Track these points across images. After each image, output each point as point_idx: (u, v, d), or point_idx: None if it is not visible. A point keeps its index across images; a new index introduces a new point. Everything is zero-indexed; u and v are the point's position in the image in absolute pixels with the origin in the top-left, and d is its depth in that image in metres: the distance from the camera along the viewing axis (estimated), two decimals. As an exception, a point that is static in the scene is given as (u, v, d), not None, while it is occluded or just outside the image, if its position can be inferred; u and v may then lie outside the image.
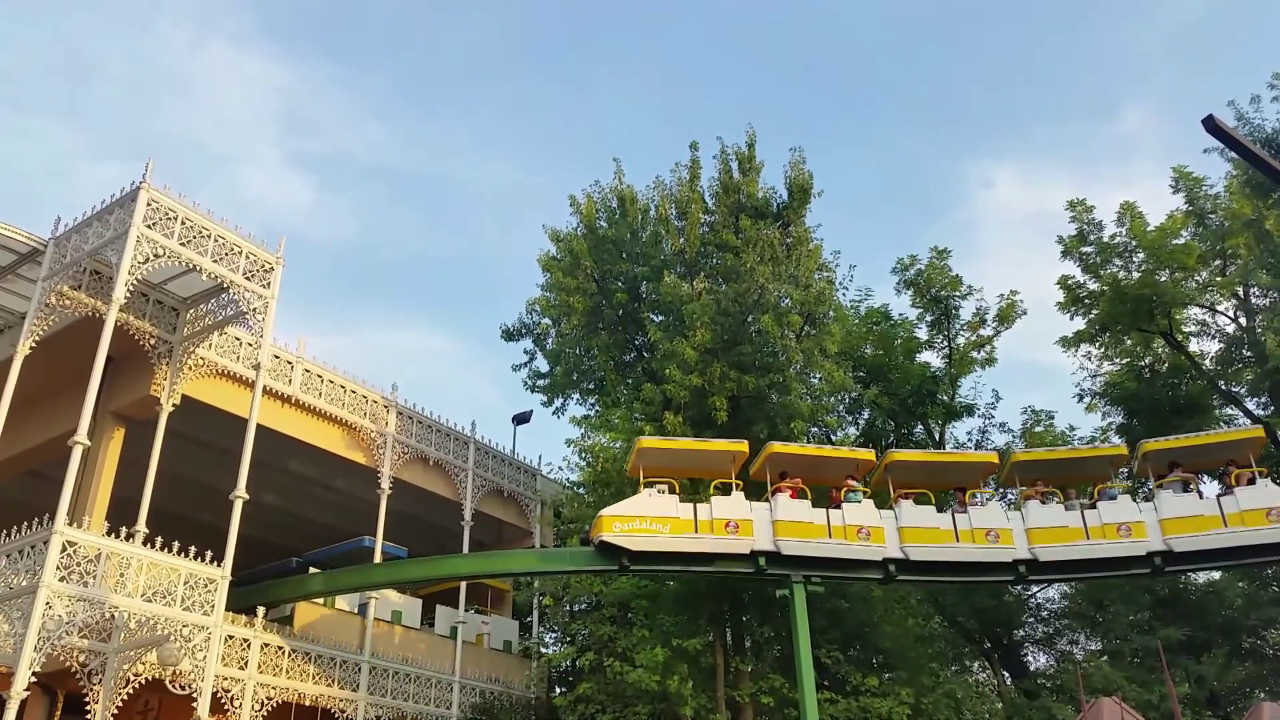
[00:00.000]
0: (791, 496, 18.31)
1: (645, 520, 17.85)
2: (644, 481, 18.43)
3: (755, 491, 18.89)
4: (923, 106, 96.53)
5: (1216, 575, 25.60)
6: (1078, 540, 18.01)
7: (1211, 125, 7.29)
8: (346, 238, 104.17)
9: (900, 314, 29.36)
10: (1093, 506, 18.47)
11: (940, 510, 18.76)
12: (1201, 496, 18.53)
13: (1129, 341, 29.58)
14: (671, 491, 18.36)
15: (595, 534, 17.95)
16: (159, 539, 15.73)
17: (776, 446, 18.88)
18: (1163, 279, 27.20)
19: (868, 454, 19.24)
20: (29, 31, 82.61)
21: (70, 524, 14.64)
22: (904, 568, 18.17)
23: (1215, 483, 19.36)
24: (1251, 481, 18.17)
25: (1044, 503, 18.65)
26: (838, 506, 18.48)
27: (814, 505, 18.50)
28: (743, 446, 18.99)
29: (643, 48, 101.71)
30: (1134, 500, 18.87)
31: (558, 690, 26.65)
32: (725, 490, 18.47)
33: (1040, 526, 18.13)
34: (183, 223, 16.83)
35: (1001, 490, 19.34)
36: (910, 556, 18.02)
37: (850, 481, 18.93)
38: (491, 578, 21.73)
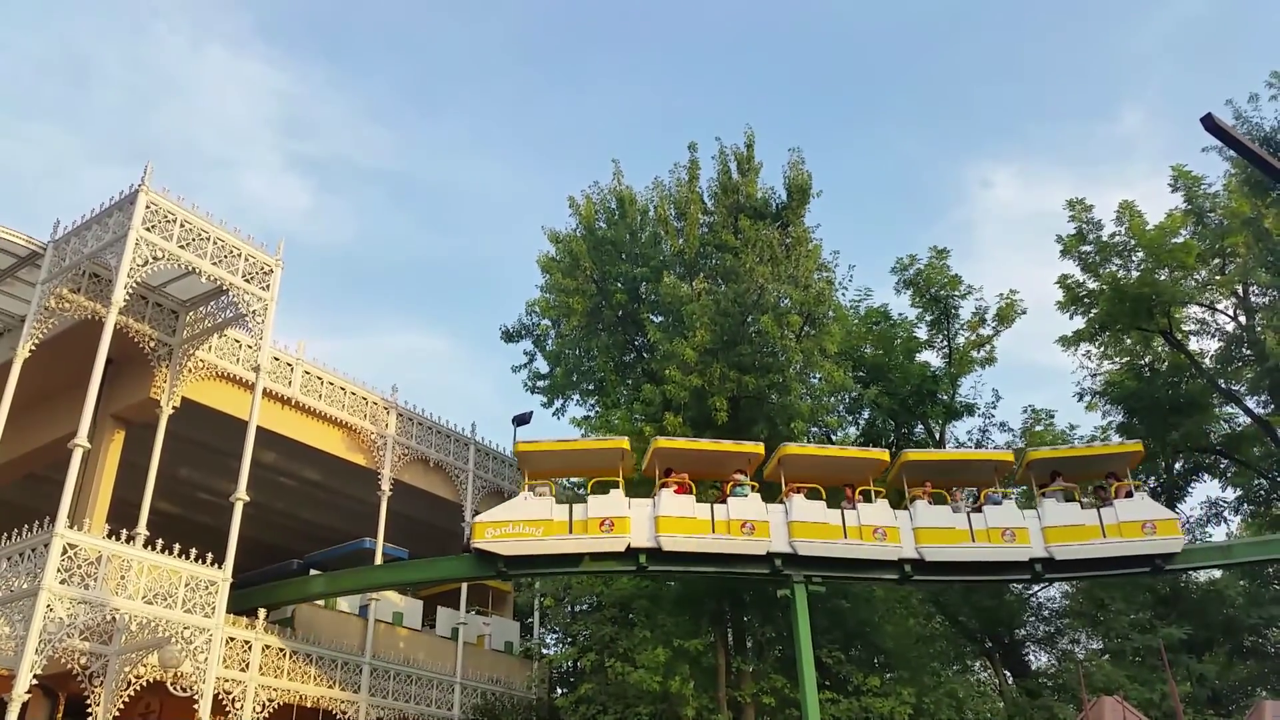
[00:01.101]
0: (678, 492, 18.16)
1: (518, 524, 17.78)
2: (525, 484, 18.41)
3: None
4: (921, 106, 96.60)
5: (1217, 574, 25.61)
6: (964, 542, 18.11)
7: (1210, 124, 7.29)
8: (345, 240, 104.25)
9: (900, 314, 29.39)
10: (979, 510, 18.55)
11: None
12: (1083, 507, 18.75)
13: (1129, 340, 29.62)
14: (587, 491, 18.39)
15: (472, 540, 17.88)
16: (160, 541, 15.72)
17: (662, 442, 18.76)
18: (1162, 278, 27.24)
19: (755, 447, 18.98)
20: (28, 35, 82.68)
21: (71, 527, 14.64)
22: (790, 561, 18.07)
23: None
24: (1129, 495, 18.76)
25: (932, 503, 18.60)
26: (721, 502, 18.33)
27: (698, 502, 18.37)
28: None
29: (641, 49, 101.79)
30: (1018, 507, 18.92)
31: (559, 691, 26.67)
32: (603, 489, 18.25)
33: (928, 527, 18.12)
34: (182, 225, 16.83)
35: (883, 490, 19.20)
36: (799, 551, 17.93)
37: (738, 475, 18.70)
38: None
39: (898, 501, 19.23)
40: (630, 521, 17.71)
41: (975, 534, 18.18)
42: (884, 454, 19.15)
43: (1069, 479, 19.26)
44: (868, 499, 18.57)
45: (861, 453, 19.31)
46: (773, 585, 18.96)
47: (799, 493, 18.46)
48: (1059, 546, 18.09)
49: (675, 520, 17.73)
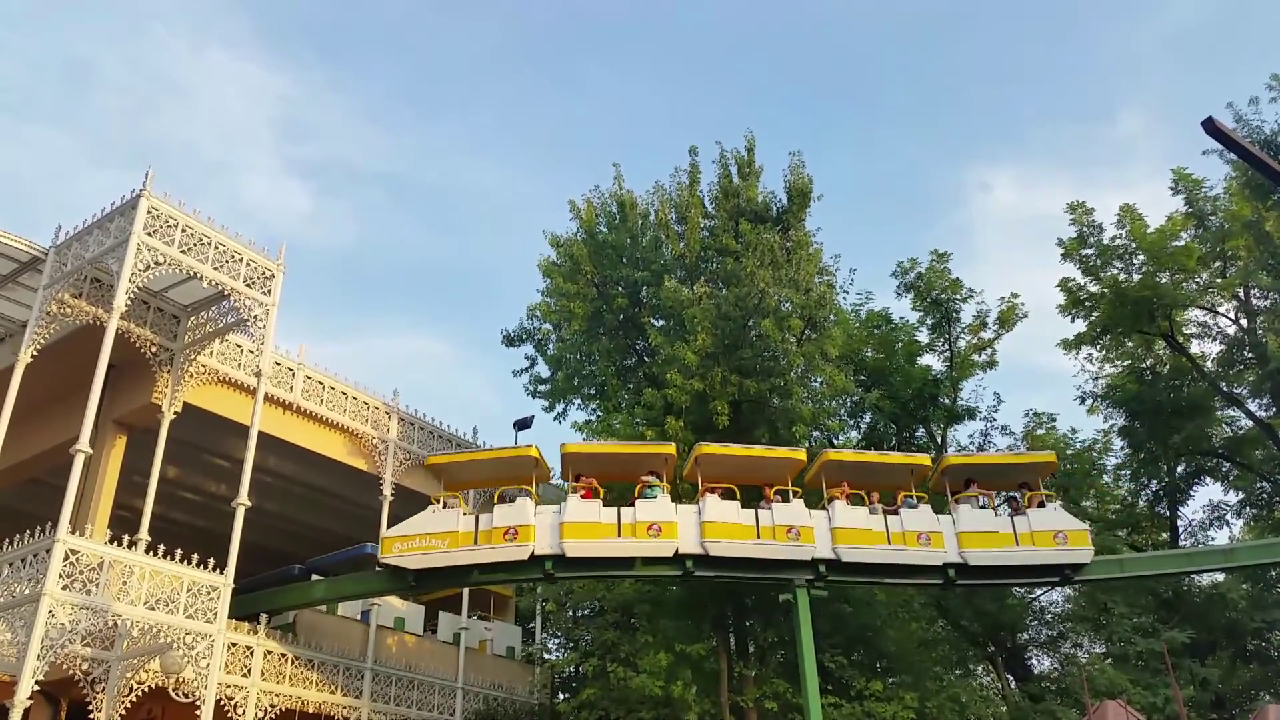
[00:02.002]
0: (585, 497, 18.13)
1: (425, 538, 17.78)
2: (437, 496, 18.44)
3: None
4: (920, 110, 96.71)
5: (1220, 577, 25.57)
6: (880, 544, 18.06)
7: (1211, 127, 7.30)
8: (345, 243, 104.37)
9: (901, 317, 29.38)
10: (895, 513, 18.52)
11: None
12: (997, 513, 18.76)
13: (1130, 344, 29.61)
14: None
15: (380, 555, 17.91)
16: (161, 547, 15.72)
17: (569, 447, 18.81)
18: (1163, 281, 27.23)
19: (666, 448, 18.81)
20: (27, 39, 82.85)
21: (73, 532, 14.64)
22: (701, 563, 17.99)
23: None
24: (1042, 505, 18.89)
25: (850, 504, 18.53)
26: (631, 504, 18.21)
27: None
28: (801, 455, 18.96)
29: (640, 52, 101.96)
30: (934, 511, 18.81)
31: (561, 696, 26.63)
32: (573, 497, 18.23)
33: (845, 527, 18.05)
34: (183, 230, 16.85)
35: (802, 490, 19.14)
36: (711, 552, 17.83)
37: (646, 478, 18.52)
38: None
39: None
40: (534, 529, 17.63)
41: (891, 536, 18.15)
42: (801, 453, 18.99)
43: (983, 486, 19.27)
44: (786, 499, 18.44)
45: (779, 452, 19.11)
46: (775, 589, 18.93)
47: (714, 493, 18.31)
48: (973, 552, 18.10)
49: (580, 526, 17.60)
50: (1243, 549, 21.81)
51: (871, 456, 19.86)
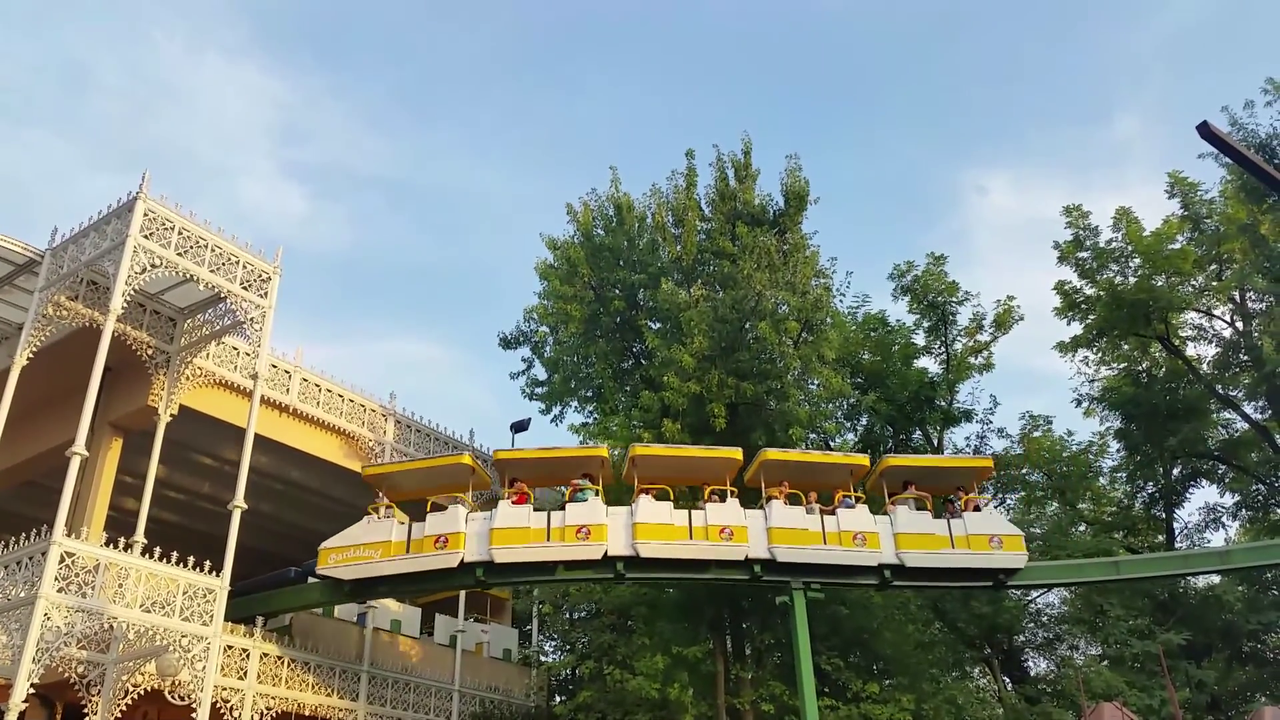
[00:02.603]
0: (517, 502, 18.13)
1: (359, 548, 17.84)
2: (373, 506, 18.46)
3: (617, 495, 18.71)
4: (916, 113, 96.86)
5: (1216, 579, 25.63)
6: (816, 544, 18.03)
7: (1206, 131, 7.32)
8: (342, 247, 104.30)
9: (897, 320, 29.42)
10: (832, 513, 18.51)
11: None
12: (935, 516, 18.78)
13: (1126, 346, 29.67)
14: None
15: (318, 567, 17.99)
16: (157, 549, 15.70)
17: (501, 453, 18.99)
18: (1159, 284, 27.30)
19: (598, 451, 18.88)
20: (25, 43, 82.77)
21: (68, 535, 14.62)
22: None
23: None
24: (978, 509, 18.96)
25: (788, 504, 18.48)
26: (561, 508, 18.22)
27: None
28: (740, 453, 18.91)
29: (637, 54, 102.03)
30: (871, 512, 18.78)
31: (558, 698, 26.60)
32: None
33: (781, 527, 18.00)
34: (180, 233, 16.84)
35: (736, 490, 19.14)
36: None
37: (577, 481, 18.53)
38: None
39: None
40: (464, 537, 17.62)
41: (827, 536, 18.13)
42: (737, 453, 18.86)
43: (921, 489, 19.29)
44: (724, 499, 18.40)
45: (715, 452, 19.02)
46: (770, 591, 18.95)
47: (648, 494, 18.27)
48: (909, 553, 18.09)
49: (509, 531, 17.57)
50: (1238, 551, 21.84)
51: (810, 456, 19.73)
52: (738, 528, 17.88)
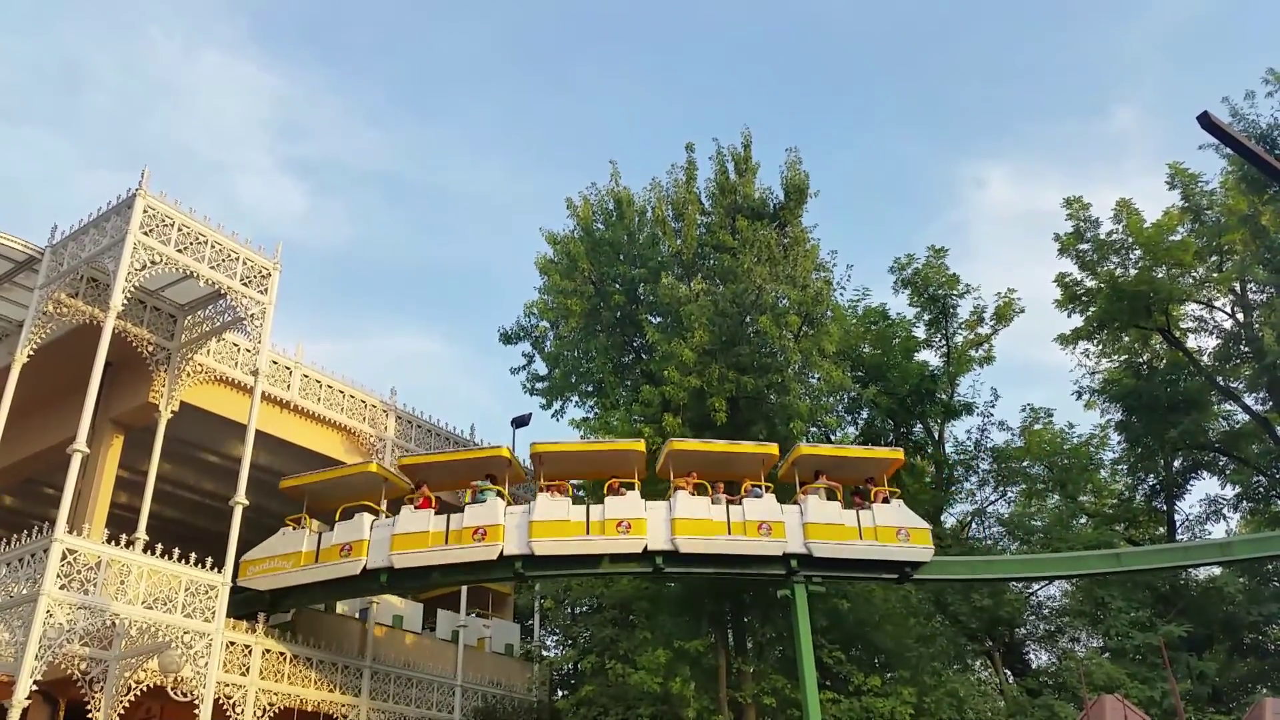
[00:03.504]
0: (420, 507, 18.40)
1: (275, 559, 18.46)
2: (293, 519, 18.93)
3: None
4: (914, 106, 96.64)
5: (1217, 571, 25.64)
6: (719, 534, 18.01)
7: (1207, 121, 7.29)
8: (341, 243, 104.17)
9: (898, 313, 29.43)
10: (739, 503, 18.48)
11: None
12: (844, 506, 18.76)
13: (1127, 338, 29.65)
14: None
15: (239, 580, 18.23)
16: (159, 546, 15.71)
17: (405, 460, 19.33)
18: (1160, 275, 27.28)
19: (499, 451, 19.08)
20: (21, 41, 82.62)
21: (70, 532, 14.63)
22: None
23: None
24: (887, 500, 18.94)
25: (693, 494, 18.44)
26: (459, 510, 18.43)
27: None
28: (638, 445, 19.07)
29: (635, 49, 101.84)
30: (779, 502, 18.72)
31: (560, 693, 26.66)
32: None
33: (685, 518, 17.97)
34: (179, 229, 16.82)
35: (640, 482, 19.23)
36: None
37: (477, 483, 18.74)
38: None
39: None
40: (368, 544, 18.02)
41: (732, 526, 18.09)
42: (639, 444, 18.98)
43: (831, 479, 19.24)
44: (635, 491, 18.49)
45: (621, 445, 19.17)
46: (776, 586, 18.98)
47: (546, 491, 18.36)
48: (818, 544, 18.09)
49: (409, 537, 17.95)
50: (1239, 543, 21.83)
51: (717, 446, 19.69)
52: (635, 520, 17.91)
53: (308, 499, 19.19)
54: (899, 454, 19.97)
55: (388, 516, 18.59)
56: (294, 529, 18.74)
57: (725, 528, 18.05)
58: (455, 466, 19.30)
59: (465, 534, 17.82)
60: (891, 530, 18.44)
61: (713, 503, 18.35)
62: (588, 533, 17.88)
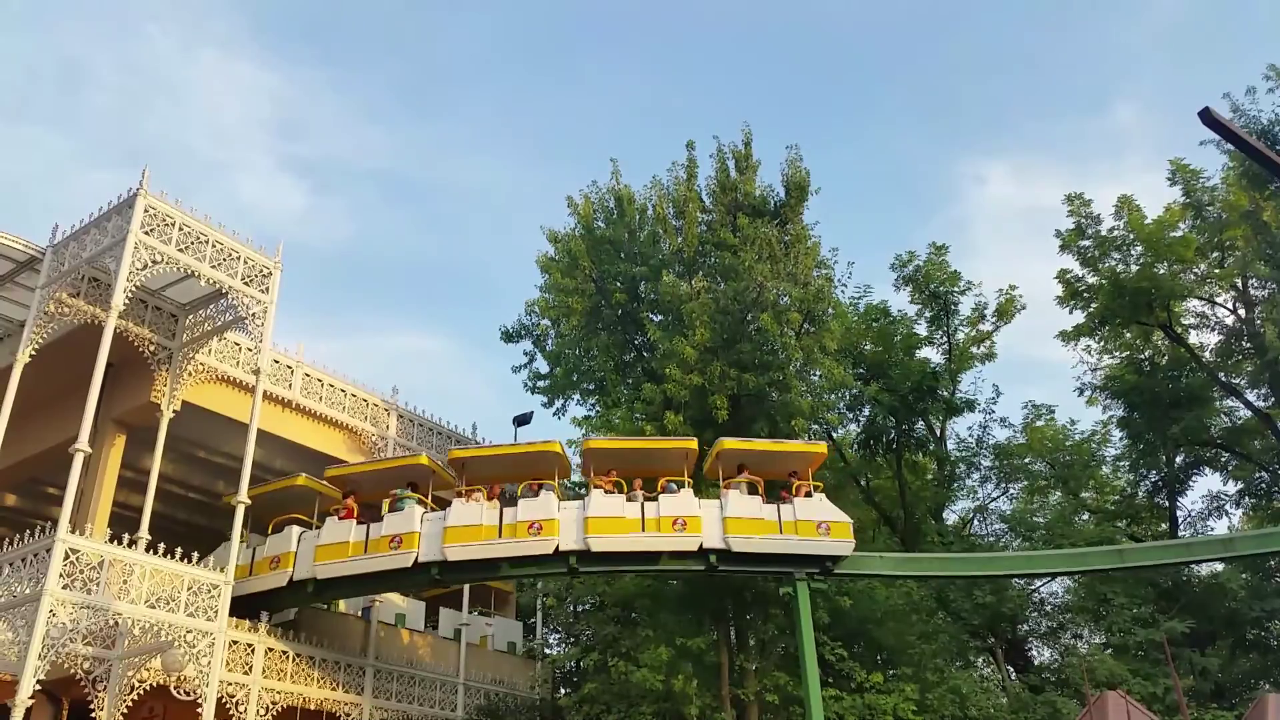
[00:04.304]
0: (344, 517, 18.57)
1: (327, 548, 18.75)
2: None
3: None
4: (914, 102, 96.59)
5: (1219, 567, 25.63)
6: (633, 532, 17.92)
7: (1208, 117, 7.27)
8: (341, 241, 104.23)
9: (899, 310, 29.39)
10: (654, 499, 18.43)
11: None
12: (765, 501, 18.65)
13: (1128, 335, 29.64)
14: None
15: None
16: (161, 545, 15.72)
17: (332, 471, 19.44)
18: (1161, 272, 27.25)
19: (420, 460, 19.20)
20: (19, 39, 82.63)
21: (73, 531, 14.64)
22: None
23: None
24: (809, 495, 18.79)
25: (609, 493, 18.38)
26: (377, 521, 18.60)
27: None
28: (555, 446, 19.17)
29: (636, 46, 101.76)
30: (697, 497, 18.60)
31: (562, 691, 26.66)
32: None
33: (599, 516, 17.92)
34: (180, 229, 16.82)
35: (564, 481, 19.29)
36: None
37: (396, 492, 18.94)
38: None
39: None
40: (294, 556, 18.42)
41: (646, 524, 18.02)
42: (556, 444, 19.04)
43: (754, 473, 19.14)
44: (550, 493, 18.50)
45: (537, 446, 19.22)
46: (776, 583, 18.98)
47: (461, 496, 18.48)
48: (737, 538, 17.99)
49: (331, 548, 18.22)
50: (1242, 539, 21.82)
51: (635, 442, 19.72)
52: (547, 521, 17.77)
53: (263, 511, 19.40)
54: (822, 448, 19.86)
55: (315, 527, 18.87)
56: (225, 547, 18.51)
57: (639, 525, 17.96)
58: (374, 476, 19.53)
59: (383, 542, 17.94)
60: (812, 524, 18.30)
61: (628, 500, 18.30)
62: (500, 535, 17.96)
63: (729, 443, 19.17)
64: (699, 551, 18.03)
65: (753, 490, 18.80)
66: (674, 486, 18.59)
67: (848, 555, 18.54)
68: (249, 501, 17.26)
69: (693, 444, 19.20)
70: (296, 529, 18.72)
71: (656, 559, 18.32)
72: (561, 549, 17.78)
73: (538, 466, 18.92)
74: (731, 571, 19.06)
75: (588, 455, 18.95)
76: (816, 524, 18.35)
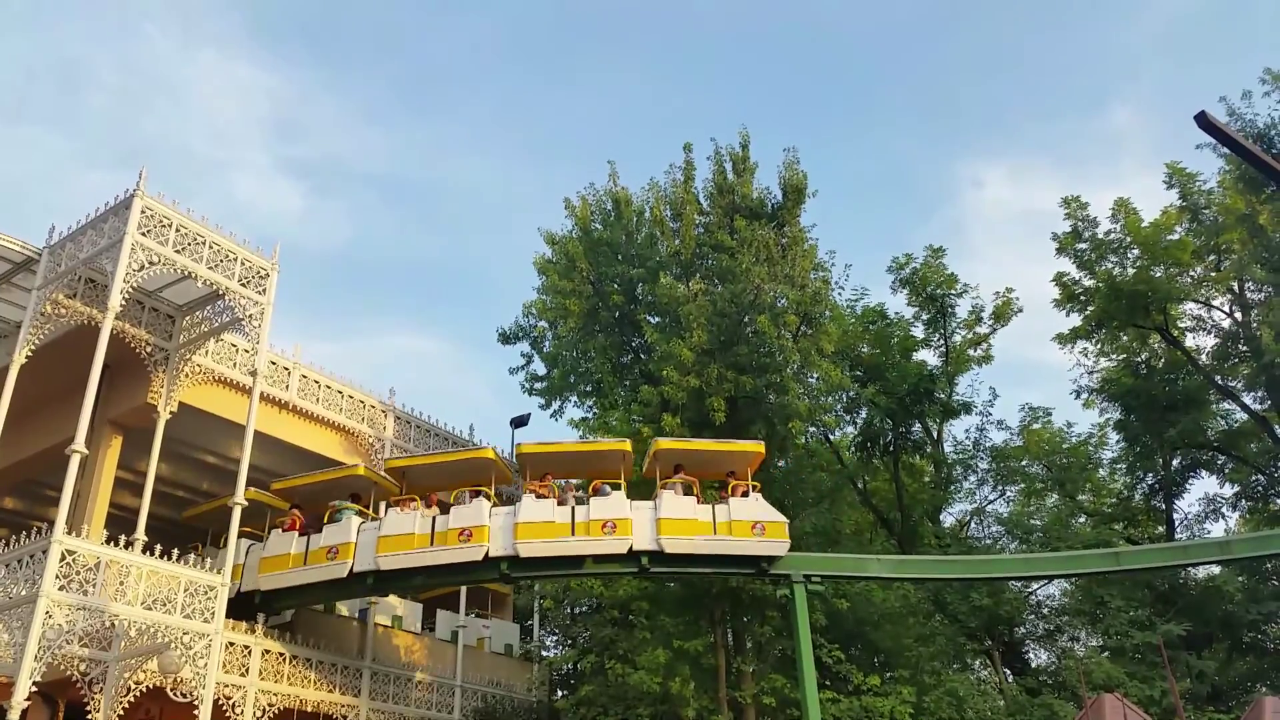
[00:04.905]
0: (288, 529, 18.86)
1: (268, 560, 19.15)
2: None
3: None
4: (911, 104, 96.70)
5: (1216, 570, 25.65)
6: (563, 536, 17.90)
7: (1204, 121, 7.29)
8: (338, 243, 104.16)
9: (896, 313, 29.42)
10: (584, 502, 18.42)
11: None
12: (700, 500, 18.57)
13: (1125, 337, 29.66)
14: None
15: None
16: (158, 546, 15.70)
17: (277, 485, 19.70)
18: (1158, 275, 27.28)
19: (355, 470, 19.45)
20: (17, 39, 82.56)
21: (69, 533, 14.61)
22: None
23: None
24: (746, 494, 18.65)
25: (540, 498, 18.36)
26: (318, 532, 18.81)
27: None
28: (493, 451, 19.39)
29: (633, 48, 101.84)
30: (628, 499, 18.48)
31: (559, 693, 26.65)
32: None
33: (528, 522, 17.92)
34: (177, 230, 16.80)
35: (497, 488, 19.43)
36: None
37: (337, 504, 19.18)
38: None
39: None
40: (241, 568, 18.69)
41: (576, 527, 17.97)
42: (488, 451, 19.14)
43: (690, 473, 19.08)
44: (485, 498, 18.59)
45: (469, 454, 19.36)
46: (776, 588, 18.98)
47: (396, 506, 18.68)
48: (670, 539, 17.87)
49: (272, 560, 18.64)
50: (1238, 541, 21.83)
51: (569, 446, 19.74)
52: (477, 528, 17.90)
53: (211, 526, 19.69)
54: (760, 447, 19.61)
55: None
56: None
57: (570, 529, 17.95)
58: (315, 488, 19.63)
59: (320, 554, 18.23)
60: (746, 524, 18.12)
61: (559, 504, 18.29)
62: (433, 544, 17.99)
63: (665, 443, 19.10)
64: (629, 554, 17.94)
65: (688, 491, 18.70)
66: (607, 489, 18.53)
67: (783, 555, 18.35)
68: (245, 503, 17.23)
69: (626, 445, 19.18)
70: (238, 543, 18.28)
71: (588, 563, 18.31)
72: (492, 555, 17.87)
73: (474, 473, 19.00)
74: (664, 573, 19.07)
75: (523, 460, 19.02)
76: (751, 524, 18.15)
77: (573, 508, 18.19)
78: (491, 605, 26.89)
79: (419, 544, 17.89)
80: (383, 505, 19.41)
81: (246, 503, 17.26)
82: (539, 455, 19.08)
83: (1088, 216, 28.25)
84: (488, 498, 18.50)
